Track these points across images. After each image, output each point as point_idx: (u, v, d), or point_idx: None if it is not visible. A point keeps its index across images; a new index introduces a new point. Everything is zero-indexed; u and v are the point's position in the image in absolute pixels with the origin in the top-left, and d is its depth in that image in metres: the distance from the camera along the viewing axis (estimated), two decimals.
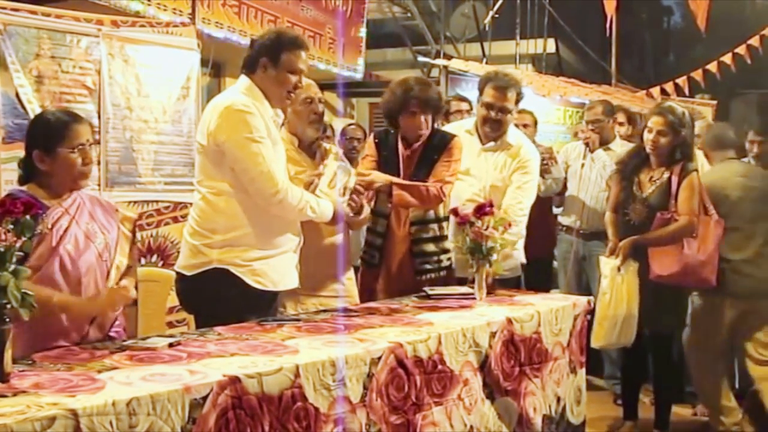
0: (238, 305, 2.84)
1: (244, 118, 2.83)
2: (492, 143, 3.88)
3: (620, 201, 4.09)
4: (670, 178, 3.94)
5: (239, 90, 2.96)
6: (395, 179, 3.53)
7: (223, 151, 2.84)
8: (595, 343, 3.88)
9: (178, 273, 2.99)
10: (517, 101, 3.85)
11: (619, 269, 3.82)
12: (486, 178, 3.86)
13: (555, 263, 5.26)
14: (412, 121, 3.55)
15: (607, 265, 3.88)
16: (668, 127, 3.93)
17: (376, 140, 3.72)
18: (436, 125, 3.75)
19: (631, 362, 4.27)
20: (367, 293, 3.60)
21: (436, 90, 3.65)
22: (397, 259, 3.60)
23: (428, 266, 3.61)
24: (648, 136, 3.99)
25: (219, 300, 2.86)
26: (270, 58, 2.95)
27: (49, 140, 2.46)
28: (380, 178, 3.52)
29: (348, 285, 3.48)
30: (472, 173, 3.85)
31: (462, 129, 3.95)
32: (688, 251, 3.87)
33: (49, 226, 2.41)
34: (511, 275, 3.91)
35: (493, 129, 3.84)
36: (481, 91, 3.89)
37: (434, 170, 3.58)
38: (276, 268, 2.95)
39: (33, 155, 2.46)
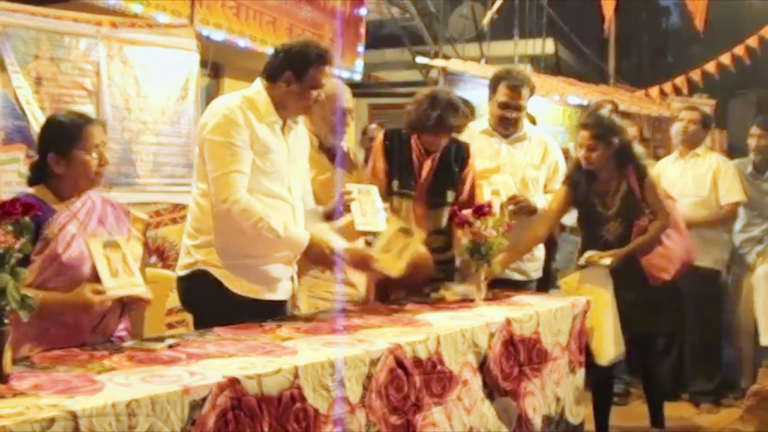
0: (221, 309, 2.78)
1: (224, 122, 2.77)
2: (513, 135, 3.94)
3: (586, 221, 3.91)
4: (629, 186, 3.74)
5: (243, 94, 2.89)
6: None
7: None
8: (603, 360, 3.62)
9: (178, 274, 3.00)
10: (530, 96, 3.91)
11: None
12: (518, 170, 3.90)
13: (553, 264, 5.25)
14: (436, 140, 3.54)
15: (571, 283, 3.78)
16: (596, 140, 3.67)
17: (387, 141, 3.62)
18: None
19: (601, 381, 3.88)
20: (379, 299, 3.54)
21: (463, 111, 3.55)
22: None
23: (440, 274, 3.61)
24: (579, 152, 3.73)
25: (204, 302, 2.85)
26: (295, 72, 2.84)
27: (65, 142, 2.44)
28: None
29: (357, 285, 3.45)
30: (503, 170, 3.87)
31: (477, 131, 3.95)
32: (671, 243, 3.76)
33: (56, 231, 2.38)
34: (537, 276, 4.02)
35: (508, 127, 3.90)
36: (494, 89, 3.88)
37: (471, 193, 3.65)
38: (259, 276, 2.87)
39: (48, 158, 2.44)
